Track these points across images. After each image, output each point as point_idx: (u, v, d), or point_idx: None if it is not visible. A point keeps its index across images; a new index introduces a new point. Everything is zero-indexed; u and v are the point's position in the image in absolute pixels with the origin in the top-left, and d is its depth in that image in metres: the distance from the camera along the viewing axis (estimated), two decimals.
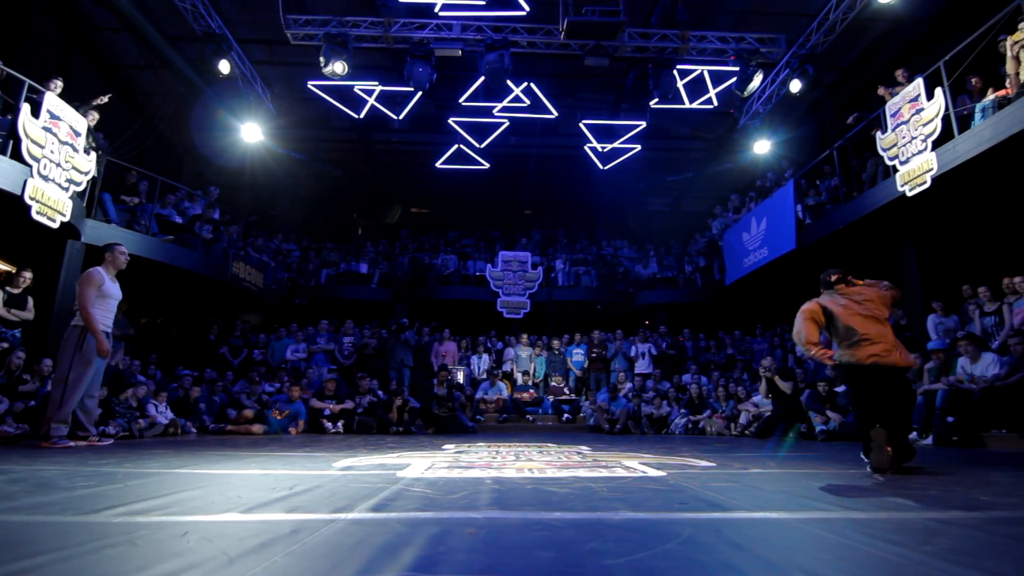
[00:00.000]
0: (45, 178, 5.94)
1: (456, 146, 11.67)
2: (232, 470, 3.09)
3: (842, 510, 1.86)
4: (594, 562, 1.18)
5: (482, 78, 8.53)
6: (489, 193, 15.73)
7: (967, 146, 6.09)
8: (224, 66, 8.00)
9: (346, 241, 14.43)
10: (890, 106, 7.26)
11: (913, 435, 5.99)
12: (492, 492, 2.24)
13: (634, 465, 3.40)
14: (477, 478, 2.70)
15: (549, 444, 5.55)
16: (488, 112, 10.45)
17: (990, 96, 6.21)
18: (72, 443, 4.57)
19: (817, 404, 6.86)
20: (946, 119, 6.44)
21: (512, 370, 10.85)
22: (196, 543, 1.33)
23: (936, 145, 6.51)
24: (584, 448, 4.97)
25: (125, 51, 10.09)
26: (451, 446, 5.24)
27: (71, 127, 6.35)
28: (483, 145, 11.44)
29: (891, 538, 1.45)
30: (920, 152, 6.69)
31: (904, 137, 6.97)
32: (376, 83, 9.38)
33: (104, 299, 4.79)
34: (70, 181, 6.36)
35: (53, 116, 6.07)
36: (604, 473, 2.97)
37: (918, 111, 6.81)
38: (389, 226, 16.10)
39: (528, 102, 9.82)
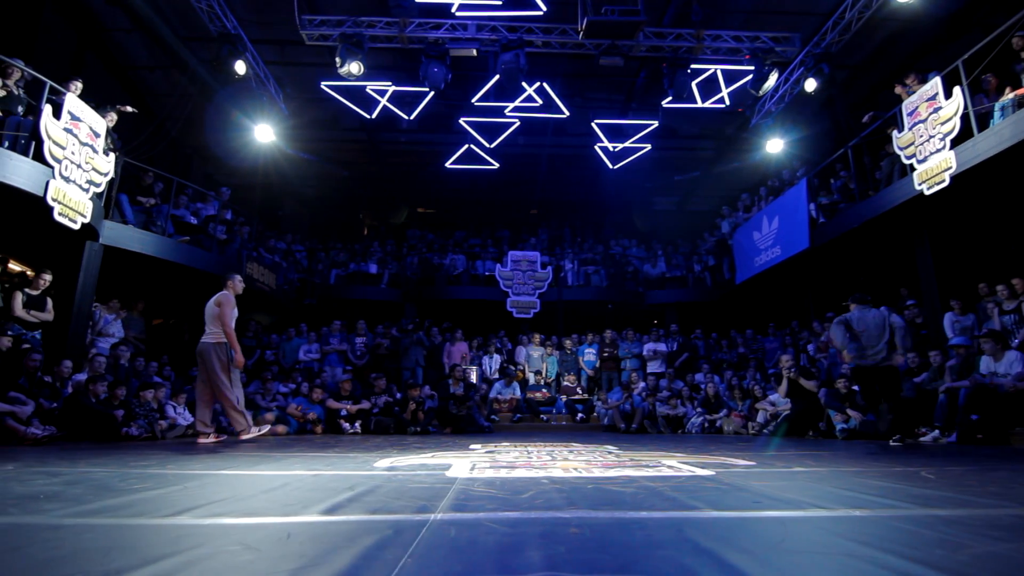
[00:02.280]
0: (66, 179, 5.92)
1: (467, 146, 11.67)
2: (278, 471, 3.09)
3: (921, 507, 1.86)
4: (719, 559, 1.18)
5: (496, 76, 8.54)
6: (496, 193, 15.74)
7: (987, 144, 6.11)
8: (240, 66, 7.99)
9: (353, 241, 14.42)
10: (907, 105, 7.28)
11: (935, 432, 6.02)
12: (557, 492, 2.24)
13: (676, 464, 3.40)
14: (532, 478, 2.70)
15: (574, 444, 5.55)
16: (499, 112, 10.46)
17: (1009, 95, 6.24)
18: (254, 435, 5.59)
19: (836, 402, 6.87)
20: (964, 117, 6.47)
21: (524, 370, 10.87)
22: (307, 544, 1.33)
23: (954, 144, 6.54)
24: (612, 448, 4.97)
25: (135, 52, 10.06)
26: (478, 446, 5.24)
27: (91, 128, 6.34)
28: (493, 145, 11.45)
29: (989, 533, 1.46)
30: (938, 151, 6.71)
31: (921, 136, 6.99)
32: (389, 83, 9.37)
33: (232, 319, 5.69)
34: (90, 182, 6.34)
35: (74, 117, 6.06)
36: (653, 472, 2.97)
37: (936, 110, 6.84)
38: (395, 226, 16.10)
39: (541, 102, 9.82)
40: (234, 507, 1.92)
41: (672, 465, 3.36)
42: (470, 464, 3.42)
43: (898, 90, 7.53)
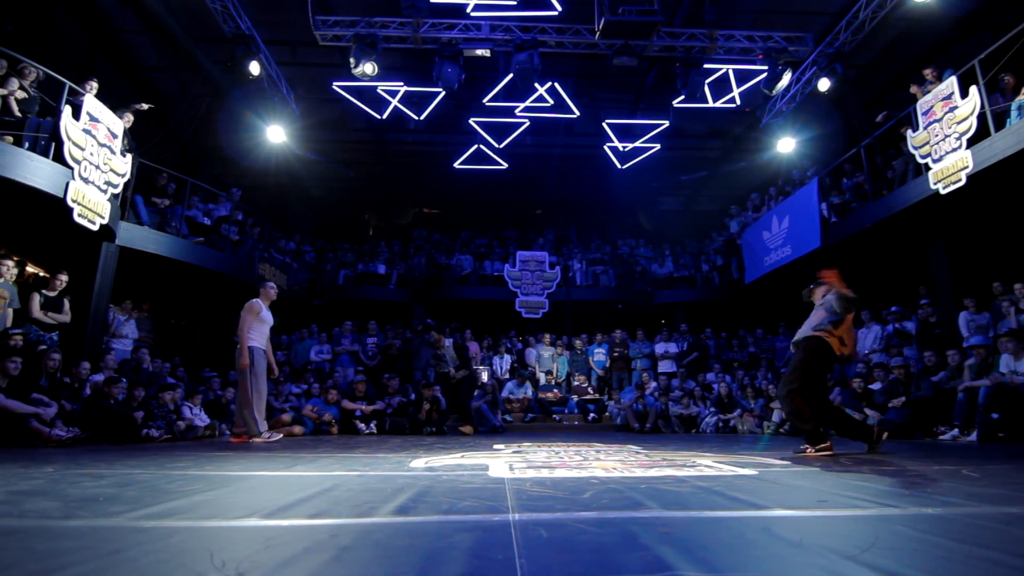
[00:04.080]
0: (85, 180, 5.91)
1: (476, 146, 11.67)
2: (318, 471, 3.08)
3: (991, 505, 1.87)
4: (827, 555, 1.18)
5: (510, 76, 8.54)
6: (501, 193, 15.74)
7: (1004, 144, 6.13)
8: (254, 67, 7.98)
9: (358, 241, 14.41)
10: (921, 104, 7.30)
11: (954, 431, 6.04)
12: (614, 492, 2.24)
13: (713, 464, 3.40)
14: (580, 478, 2.70)
15: (595, 444, 5.55)
16: (509, 112, 10.46)
17: None
18: (276, 437, 5.82)
19: (854, 401, 6.89)
20: (981, 117, 6.49)
21: (535, 372, 10.86)
22: (404, 545, 1.33)
23: (970, 143, 6.55)
24: (636, 447, 4.97)
25: (146, 53, 10.05)
26: (502, 446, 5.23)
27: (109, 129, 6.32)
28: (502, 145, 11.45)
29: None
30: (954, 150, 6.73)
31: (937, 135, 7.01)
32: (401, 83, 9.37)
33: (261, 324, 5.85)
34: (108, 183, 6.33)
35: (92, 118, 6.05)
36: (695, 472, 2.97)
37: (952, 109, 6.85)
38: (401, 226, 16.09)
39: (552, 102, 9.83)
40: (301, 508, 1.92)
41: (710, 465, 3.36)
42: (506, 464, 3.42)
43: (913, 89, 7.55)
